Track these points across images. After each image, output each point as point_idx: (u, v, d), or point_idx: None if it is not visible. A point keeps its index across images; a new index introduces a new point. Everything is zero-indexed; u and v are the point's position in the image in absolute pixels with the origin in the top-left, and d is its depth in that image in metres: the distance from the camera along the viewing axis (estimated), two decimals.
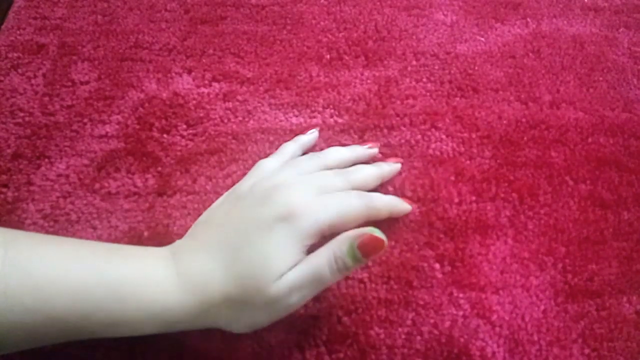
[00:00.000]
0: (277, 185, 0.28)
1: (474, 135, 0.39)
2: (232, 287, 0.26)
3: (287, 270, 0.26)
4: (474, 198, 0.36)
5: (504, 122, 0.40)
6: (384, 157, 0.37)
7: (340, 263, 0.26)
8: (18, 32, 0.43)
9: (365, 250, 0.27)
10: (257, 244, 0.26)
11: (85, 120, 0.38)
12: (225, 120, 0.39)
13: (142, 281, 0.25)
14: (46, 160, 0.36)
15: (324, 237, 0.28)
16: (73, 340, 0.25)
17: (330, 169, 0.32)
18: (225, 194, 0.33)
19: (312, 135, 0.37)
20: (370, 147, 0.36)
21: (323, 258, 0.27)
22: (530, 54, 0.44)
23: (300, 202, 0.27)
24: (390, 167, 0.35)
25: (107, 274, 0.25)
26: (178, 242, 0.29)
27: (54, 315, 0.24)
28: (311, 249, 0.27)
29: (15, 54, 0.41)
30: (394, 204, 0.33)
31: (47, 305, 0.23)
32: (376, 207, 0.31)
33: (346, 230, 0.28)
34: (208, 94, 0.40)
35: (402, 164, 0.36)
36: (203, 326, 0.27)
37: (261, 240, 0.26)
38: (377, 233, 0.27)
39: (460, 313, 0.32)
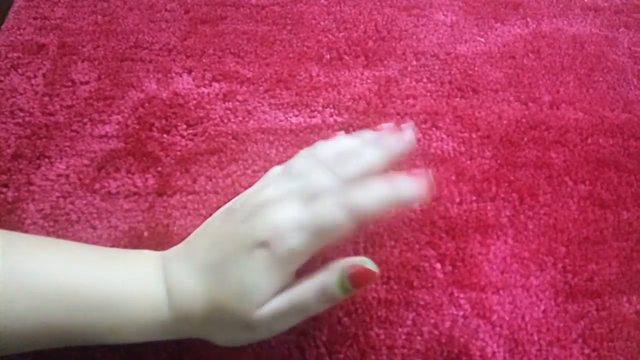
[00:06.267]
0: (263, 203, 0.27)
1: (474, 135, 0.39)
2: (214, 310, 0.26)
3: (269, 297, 0.25)
4: (474, 198, 0.36)
5: (504, 122, 0.40)
6: None
7: (328, 294, 0.26)
8: (18, 32, 0.43)
9: (356, 282, 0.25)
10: (238, 270, 0.25)
11: (85, 120, 0.38)
12: (225, 120, 0.39)
13: (134, 292, 0.26)
14: (46, 160, 0.36)
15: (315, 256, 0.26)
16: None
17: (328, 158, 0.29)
18: (232, 200, 0.31)
19: None
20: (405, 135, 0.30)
21: (310, 288, 0.26)
22: (530, 54, 0.44)
23: (280, 227, 0.25)
24: (397, 140, 0.30)
25: (100, 283, 0.25)
26: (173, 250, 0.29)
27: (47, 322, 0.24)
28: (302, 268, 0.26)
29: (15, 54, 0.41)
30: (397, 196, 0.26)
31: (41, 312, 0.24)
32: (367, 212, 0.26)
33: (335, 244, 0.27)
34: (208, 94, 0.40)
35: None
36: (189, 337, 0.27)
37: (242, 265, 0.25)
38: (370, 265, 0.26)
39: (461, 313, 0.32)
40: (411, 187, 0.26)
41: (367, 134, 0.31)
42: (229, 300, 0.25)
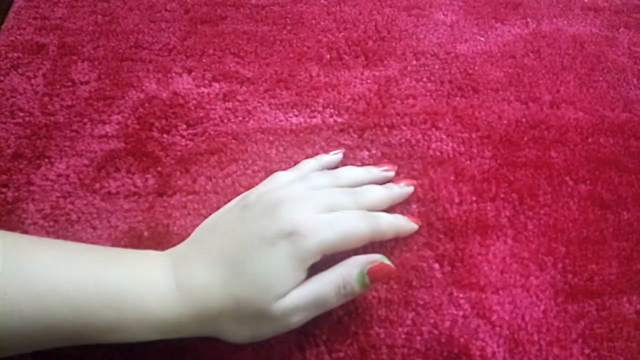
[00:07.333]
0: (283, 199, 0.28)
1: (474, 135, 0.39)
2: (231, 303, 0.26)
3: (288, 290, 0.26)
4: (474, 198, 0.36)
5: (504, 122, 0.40)
6: (384, 156, 0.37)
7: (348, 288, 0.27)
8: (18, 32, 0.43)
9: (375, 277, 0.27)
10: (258, 261, 0.26)
11: (85, 120, 0.38)
12: (225, 120, 0.39)
13: (141, 291, 0.26)
14: (46, 160, 0.36)
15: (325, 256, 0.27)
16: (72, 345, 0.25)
17: (342, 187, 0.31)
18: (235, 199, 0.32)
19: (335, 156, 0.36)
20: (386, 170, 0.35)
21: (330, 283, 0.27)
22: (530, 54, 0.44)
23: (305, 220, 0.26)
24: (401, 190, 0.34)
25: (106, 283, 0.25)
26: (180, 248, 0.29)
27: (52, 322, 0.24)
28: (310, 268, 0.27)
29: (15, 54, 0.41)
30: (400, 225, 0.32)
31: (46, 313, 0.23)
32: (382, 229, 0.30)
33: (347, 250, 0.28)
34: (208, 94, 0.40)
35: (413, 184, 0.35)
36: (201, 335, 0.27)
37: (263, 257, 0.26)
38: (387, 261, 0.27)
39: (460, 313, 0.32)
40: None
41: (374, 169, 0.35)
42: (248, 292, 0.25)
